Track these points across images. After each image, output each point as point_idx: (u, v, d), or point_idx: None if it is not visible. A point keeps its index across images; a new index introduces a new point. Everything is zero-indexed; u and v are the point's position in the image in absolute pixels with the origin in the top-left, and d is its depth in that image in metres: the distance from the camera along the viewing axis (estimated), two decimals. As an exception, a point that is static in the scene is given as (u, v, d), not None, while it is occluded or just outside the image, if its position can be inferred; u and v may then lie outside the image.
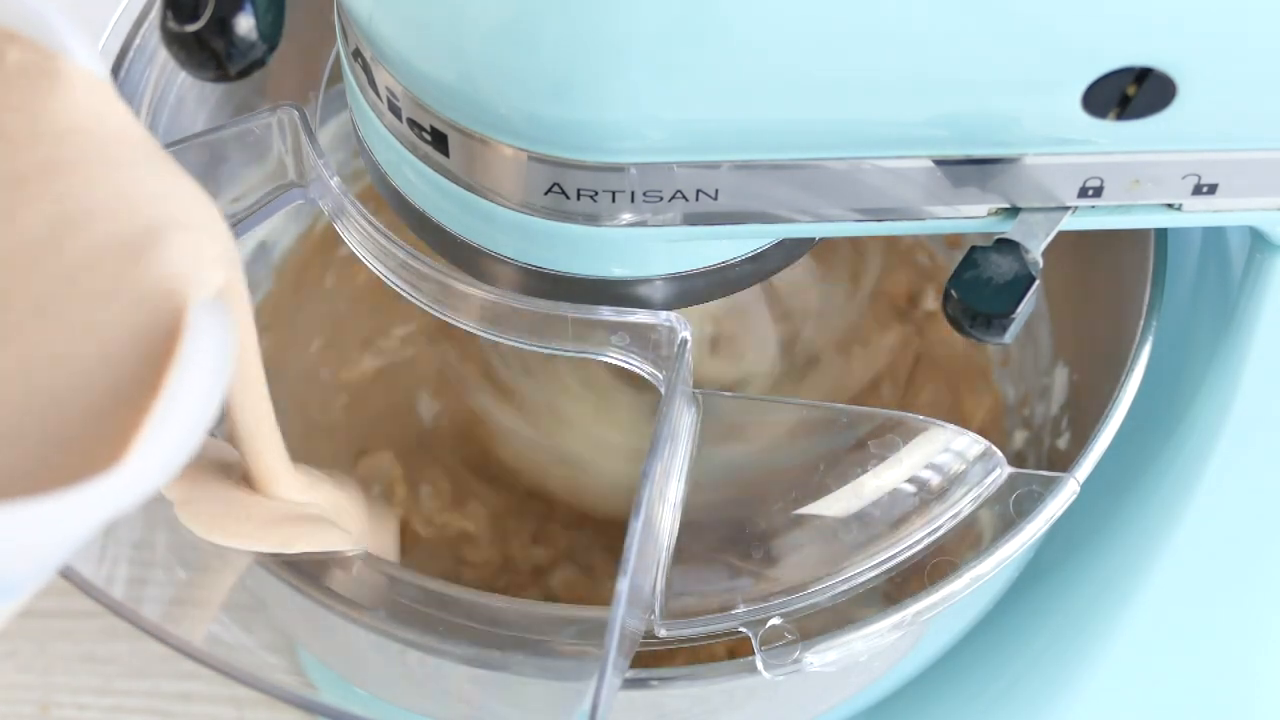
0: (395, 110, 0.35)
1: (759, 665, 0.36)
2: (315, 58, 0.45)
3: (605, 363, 0.38)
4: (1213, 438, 0.44)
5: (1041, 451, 0.51)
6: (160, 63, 0.46)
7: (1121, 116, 0.33)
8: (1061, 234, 0.36)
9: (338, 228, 0.39)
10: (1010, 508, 0.37)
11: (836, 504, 0.37)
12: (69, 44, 0.30)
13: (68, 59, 0.30)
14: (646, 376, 0.38)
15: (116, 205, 0.29)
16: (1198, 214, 0.36)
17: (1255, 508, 0.46)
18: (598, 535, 0.55)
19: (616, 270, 0.37)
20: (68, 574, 0.37)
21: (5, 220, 0.28)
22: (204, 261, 0.29)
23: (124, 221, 0.29)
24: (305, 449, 0.42)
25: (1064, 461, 0.39)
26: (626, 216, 0.35)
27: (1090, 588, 0.49)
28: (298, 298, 0.56)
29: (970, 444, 0.38)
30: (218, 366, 0.28)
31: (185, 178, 0.30)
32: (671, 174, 0.34)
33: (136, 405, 0.27)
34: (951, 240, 0.56)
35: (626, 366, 0.38)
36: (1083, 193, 0.35)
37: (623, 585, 0.33)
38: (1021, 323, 0.35)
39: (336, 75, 0.39)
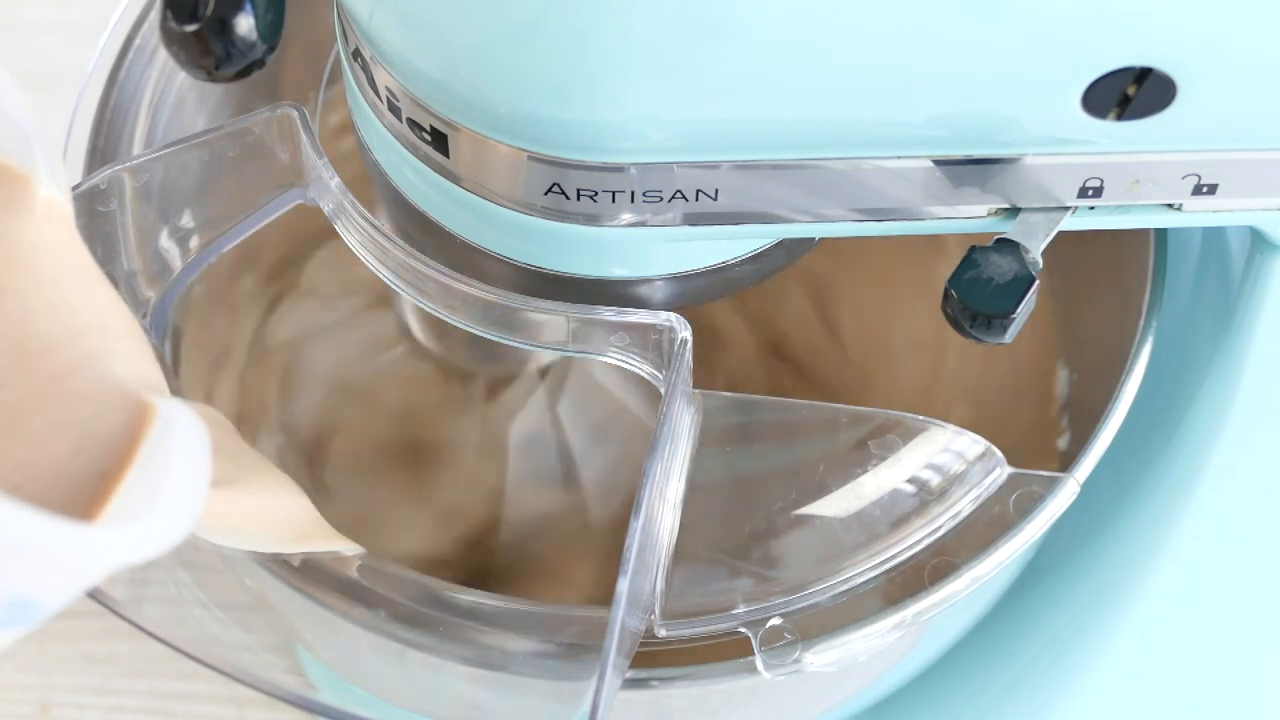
0: (395, 110, 0.35)
1: (759, 665, 0.36)
2: (315, 58, 0.45)
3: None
4: (1213, 438, 0.44)
5: (1042, 451, 0.51)
6: (160, 63, 0.46)
7: (1121, 117, 0.33)
8: (1061, 234, 0.36)
9: (338, 228, 0.39)
10: (1010, 508, 0.37)
11: (836, 504, 0.37)
12: (40, 170, 0.32)
13: (35, 182, 0.32)
14: (646, 377, 0.38)
15: (66, 320, 0.32)
16: (1198, 214, 0.36)
17: (1255, 508, 0.46)
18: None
19: (616, 270, 0.37)
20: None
21: None
22: (136, 371, 0.32)
23: (76, 340, 0.31)
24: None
25: (1064, 461, 0.39)
26: (626, 217, 0.35)
27: (1090, 588, 0.49)
28: None
29: (970, 444, 0.37)
30: (193, 447, 0.30)
31: (114, 294, 0.33)
32: (671, 174, 0.34)
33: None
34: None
35: (626, 367, 0.38)
36: (1083, 193, 0.35)
37: (623, 585, 0.33)
38: (1021, 323, 0.35)
39: (336, 75, 0.39)
